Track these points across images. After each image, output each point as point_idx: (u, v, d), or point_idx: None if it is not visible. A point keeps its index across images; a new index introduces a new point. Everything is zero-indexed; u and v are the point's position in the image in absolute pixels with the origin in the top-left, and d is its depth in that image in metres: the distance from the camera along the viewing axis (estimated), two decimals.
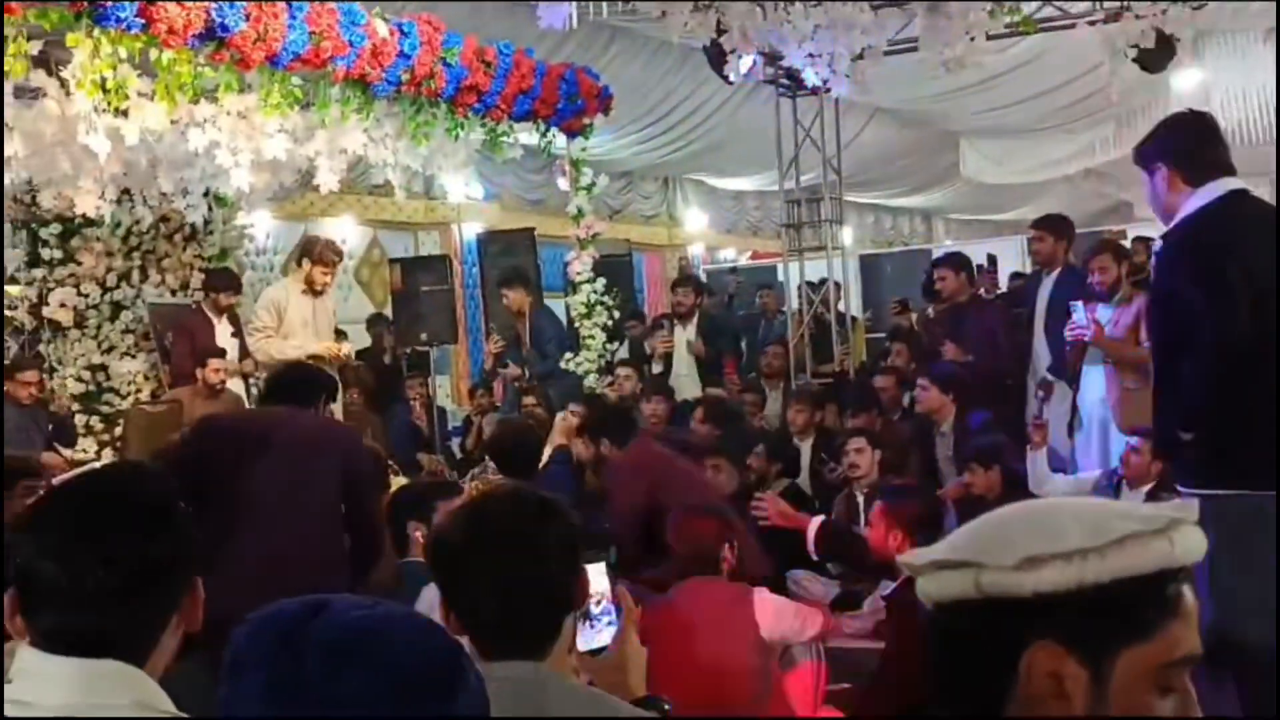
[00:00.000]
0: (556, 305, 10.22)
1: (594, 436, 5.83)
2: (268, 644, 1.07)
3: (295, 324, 7.49)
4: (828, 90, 8.62)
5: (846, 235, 11.26)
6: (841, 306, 10.39)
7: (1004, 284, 10.82)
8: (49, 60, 5.35)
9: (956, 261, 8.06)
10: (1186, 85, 10.88)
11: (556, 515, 1.89)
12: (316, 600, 1.11)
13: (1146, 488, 5.73)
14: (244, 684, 1.06)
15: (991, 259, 9.09)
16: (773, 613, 3.98)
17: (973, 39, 7.24)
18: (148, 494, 1.55)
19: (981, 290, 8.33)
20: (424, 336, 9.43)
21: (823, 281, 10.28)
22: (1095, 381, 6.57)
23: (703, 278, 14.09)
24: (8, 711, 1.40)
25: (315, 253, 7.56)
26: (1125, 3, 7.78)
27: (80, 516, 1.47)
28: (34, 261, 8.28)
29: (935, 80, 9.74)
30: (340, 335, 10.35)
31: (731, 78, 7.96)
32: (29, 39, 4.98)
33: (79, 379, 8.22)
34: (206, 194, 7.58)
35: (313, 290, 7.52)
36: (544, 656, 1.81)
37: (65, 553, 1.45)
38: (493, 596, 1.81)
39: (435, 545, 1.90)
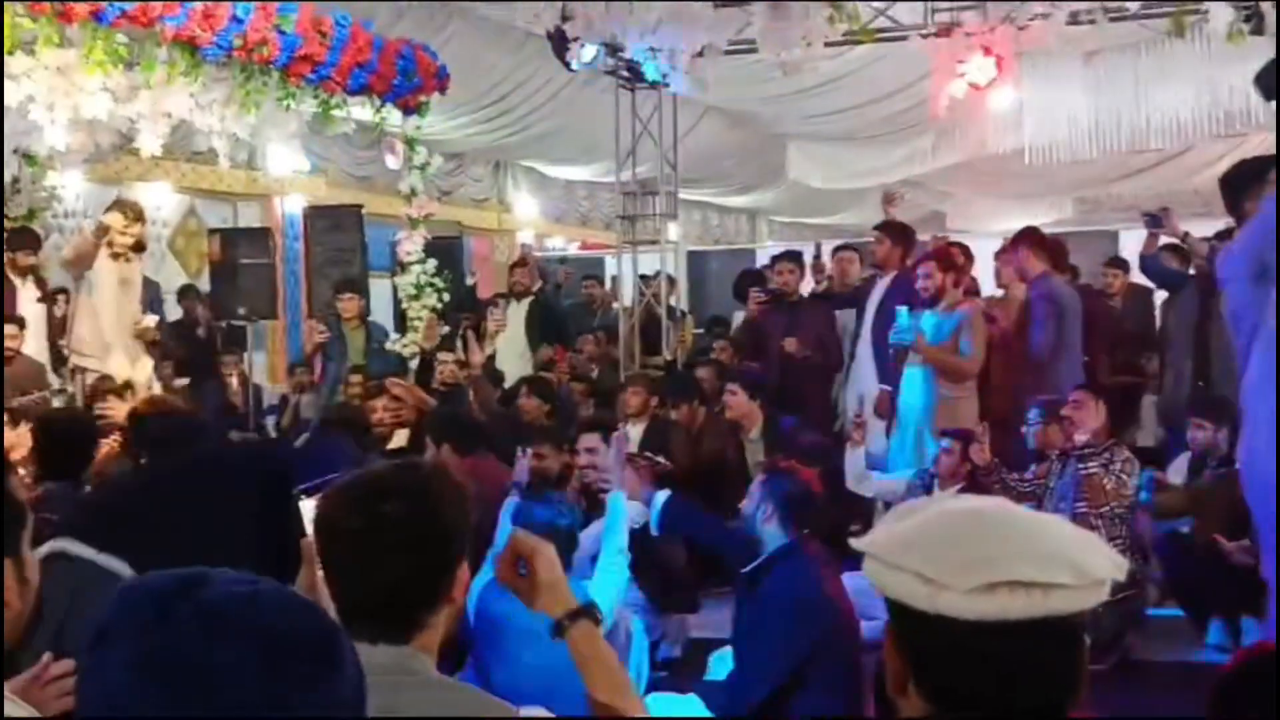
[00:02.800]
0: (382, 285, 10.03)
1: (435, 440, 5.70)
2: (141, 614, 1.03)
3: (105, 291, 7.14)
4: (667, 85, 8.68)
5: (676, 230, 11.38)
6: (672, 300, 10.51)
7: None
8: None
9: (798, 258, 8.29)
10: (1002, 104, 11.35)
11: (440, 501, 1.83)
12: (194, 573, 1.08)
13: (957, 487, 5.98)
14: (113, 654, 1.02)
15: (817, 248, 9.36)
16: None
17: (809, 44, 7.40)
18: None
19: (814, 282, 8.56)
20: (241, 311, 9.12)
21: (655, 275, 10.37)
22: (914, 384, 6.82)
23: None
24: None
25: (113, 212, 7.23)
26: (956, 19, 8.07)
27: None
28: None
29: (768, 82, 9.91)
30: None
31: (574, 66, 7.96)
32: None
33: None
34: (16, 150, 7.17)
35: (110, 248, 7.14)
36: (408, 642, 1.78)
37: None
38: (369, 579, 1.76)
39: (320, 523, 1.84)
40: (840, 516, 5.99)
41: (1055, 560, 1.31)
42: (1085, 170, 13.62)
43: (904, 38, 8.36)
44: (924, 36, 8.28)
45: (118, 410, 5.83)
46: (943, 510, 1.43)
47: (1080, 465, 5.72)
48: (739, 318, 9.58)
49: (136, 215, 7.36)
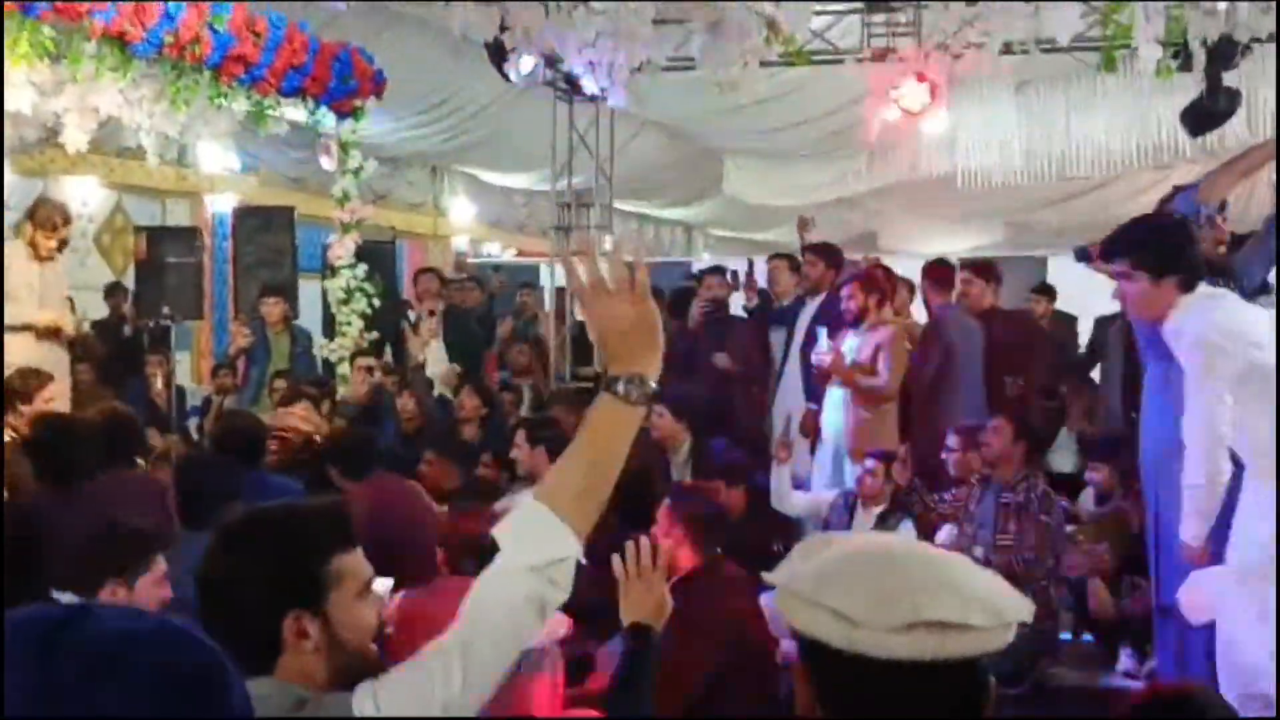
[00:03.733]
0: (312, 287, 9.92)
1: (329, 461, 5.53)
2: (27, 647, 1.03)
3: (19, 288, 6.96)
4: (604, 98, 8.70)
5: (608, 242, 11.39)
6: None
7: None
8: None
9: (726, 273, 8.33)
10: (935, 129, 11.51)
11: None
12: (79, 607, 1.08)
13: (879, 509, 6.04)
14: (5, 684, 1.01)
15: (750, 264, 9.41)
16: None
17: (746, 64, 7.45)
18: None
19: (743, 296, 8.59)
20: (166, 310, 8.97)
21: None
22: (835, 405, 6.87)
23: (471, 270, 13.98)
24: None
25: (38, 216, 7.02)
26: (891, 45, 8.16)
27: None
28: None
29: (706, 99, 9.96)
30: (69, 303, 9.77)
31: (512, 77, 7.94)
32: None
33: None
34: None
35: (37, 256, 6.97)
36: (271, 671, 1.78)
37: None
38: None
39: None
40: (763, 535, 6.02)
41: (970, 602, 1.35)
42: (1016, 196, 13.83)
43: (840, 61, 8.45)
44: (859, 61, 8.37)
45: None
46: (856, 549, 1.45)
47: (1002, 494, 5.79)
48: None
49: (64, 219, 7.08)
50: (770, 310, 8.09)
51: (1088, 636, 6.00)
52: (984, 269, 7.51)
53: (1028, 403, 7.22)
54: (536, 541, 1.78)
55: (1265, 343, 3.83)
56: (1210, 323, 3.87)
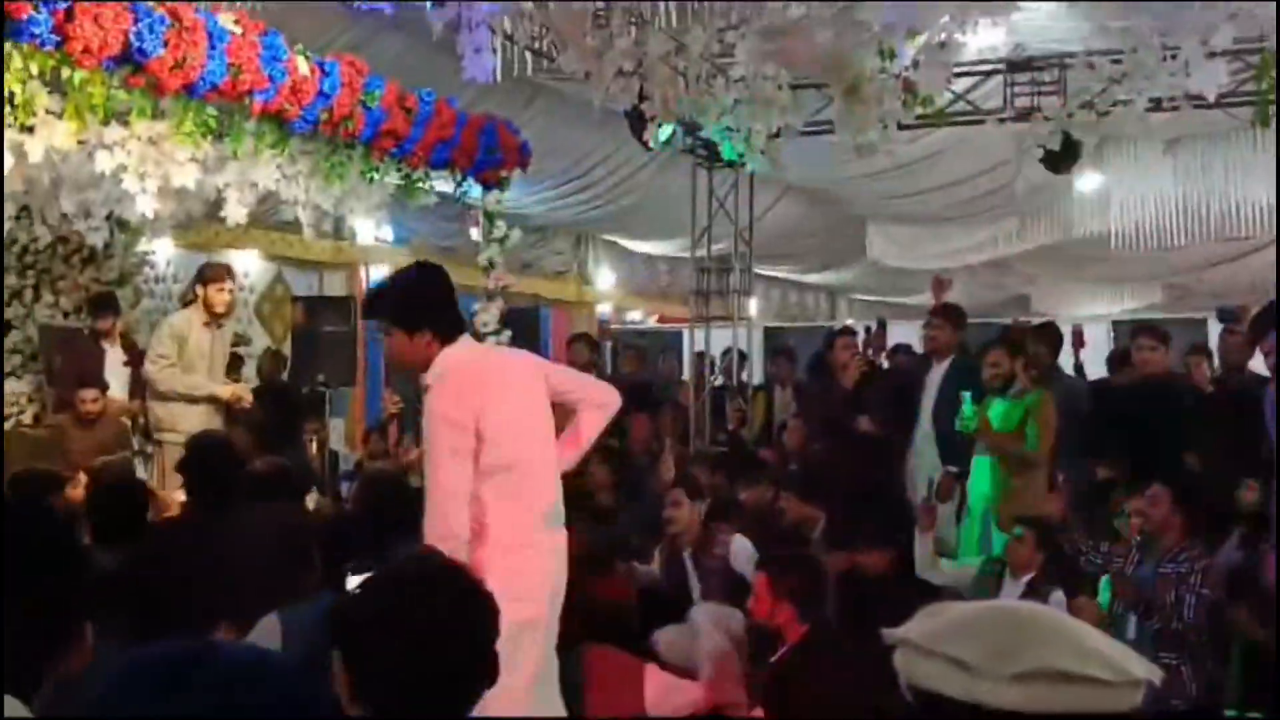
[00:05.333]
0: None
1: None
2: (149, 684, 1.05)
3: (194, 356, 7.31)
4: (743, 165, 8.75)
5: (753, 306, 11.40)
6: (745, 376, 10.50)
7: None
8: None
9: (854, 333, 8.28)
10: (1088, 187, 11.26)
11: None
12: (205, 643, 1.12)
13: (1028, 577, 5.85)
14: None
15: (881, 322, 9.32)
16: (661, 689, 3.96)
17: (885, 126, 7.41)
18: (49, 538, 1.53)
19: (869, 352, 8.50)
20: (321, 377, 9.27)
21: (726, 351, 10.38)
22: (983, 472, 6.71)
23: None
24: None
25: (207, 274, 7.41)
26: (1035, 104, 8.05)
27: None
28: None
29: (847, 163, 9.95)
30: (237, 362, 10.18)
31: (650, 144, 8.05)
32: None
33: None
34: (109, 217, 7.41)
35: (213, 314, 7.33)
36: None
37: None
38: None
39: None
40: (907, 601, 5.88)
41: (1093, 656, 1.30)
42: (1174, 257, 13.42)
43: (981, 121, 8.36)
44: (1001, 121, 8.26)
45: None
46: (979, 606, 1.44)
47: (1161, 564, 5.56)
48: None
49: (230, 274, 7.55)
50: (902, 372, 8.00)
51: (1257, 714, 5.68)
52: (1162, 335, 7.40)
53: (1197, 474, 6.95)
54: None
55: None
56: None
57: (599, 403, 4.17)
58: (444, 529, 3.64)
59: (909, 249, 14.82)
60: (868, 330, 8.78)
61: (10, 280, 8.10)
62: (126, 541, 4.28)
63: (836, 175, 11.26)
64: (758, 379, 11.38)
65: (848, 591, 6.15)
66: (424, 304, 4.00)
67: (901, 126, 7.67)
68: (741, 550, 5.74)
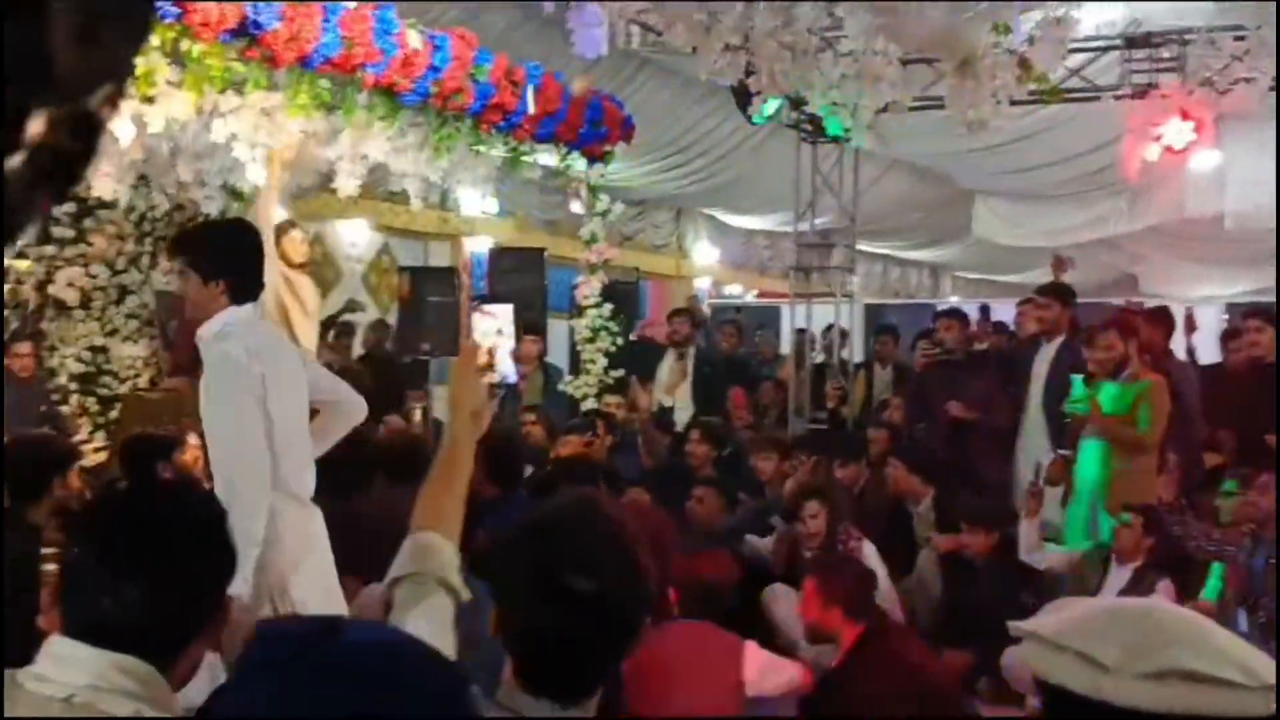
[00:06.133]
0: (560, 326, 10.22)
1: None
2: (279, 657, 1.08)
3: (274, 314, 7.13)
4: (848, 139, 8.66)
5: (855, 282, 11.30)
6: (845, 354, 10.41)
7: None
8: None
9: (961, 316, 8.14)
10: (1203, 166, 10.94)
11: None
12: (331, 620, 1.13)
13: (1135, 564, 5.74)
14: (246, 690, 1.07)
15: (984, 309, 9.13)
16: (759, 668, 3.95)
17: (999, 102, 7.28)
18: (195, 516, 1.59)
19: (973, 341, 8.37)
20: (425, 346, 9.41)
21: (829, 327, 10.30)
22: (1091, 456, 6.57)
23: (706, 311, 14.11)
24: (29, 685, 1.43)
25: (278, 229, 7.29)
26: (1153, 81, 7.83)
27: (131, 528, 1.50)
28: (45, 239, 8.27)
29: (955, 138, 9.78)
30: (349, 330, 10.36)
31: (755, 119, 8.01)
32: None
33: (79, 359, 8.20)
34: (223, 186, 7.56)
35: (291, 266, 7.02)
36: (575, 707, 1.70)
37: (112, 560, 1.47)
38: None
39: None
40: (1011, 585, 5.82)
41: (1225, 657, 1.28)
42: None
43: (1096, 98, 8.16)
44: (1117, 98, 8.06)
45: None
46: (1110, 603, 1.43)
47: (1271, 555, 5.43)
48: None
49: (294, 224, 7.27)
50: (1004, 354, 7.86)
51: None
52: (1271, 317, 7.15)
53: None
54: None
55: None
56: None
57: (347, 410, 4.16)
58: (260, 478, 3.66)
59: (1015, 226, 14.56)
60: (982, 311, 8.63)
61: (129, 247, 8.32)
62: None
63: (943, 150, 11.10)
64: (858, 356, 11.28)
65: (951, 573, 6.12)
66: (228, 257, 3.90)
67: (1013, 102, 7.52)
68: (871, 556, 5.68)
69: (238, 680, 1.09)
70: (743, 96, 8.02)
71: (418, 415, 9.69)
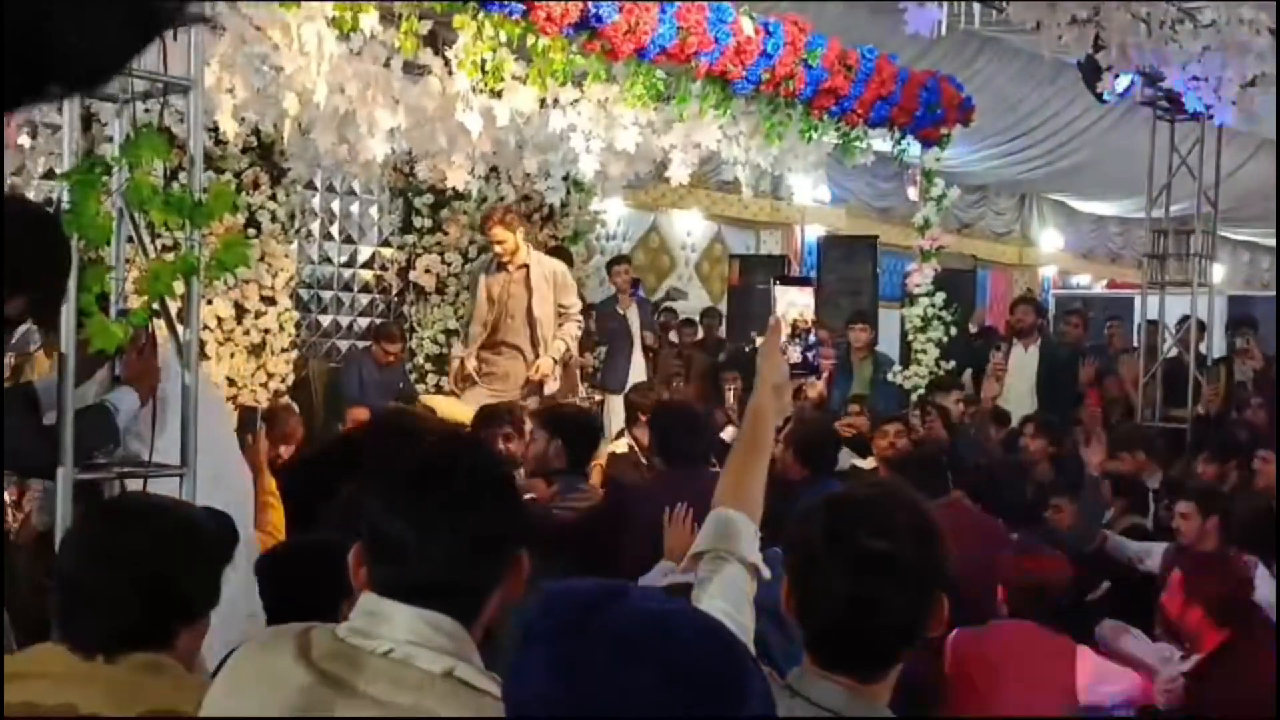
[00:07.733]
0: (892, 315, 10.05)
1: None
2: (559, 622, 1.09)
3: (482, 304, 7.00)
4: (1210, 117, 8.04)
5: (1216, 272, 10.49)
6: (1203, 348, 9.69)
7: None
8: (436, 40, 5.73)
9: None
10: None
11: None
12: (614, 586, 1.13)
13: None
14: (532, 655, 1.09)
15: None
16: (1093, 673, 3.74)
17: None
18: (493, 471, 1.66)
19: None
20: (754, 334, 9.48)
21: (1184, 319, 9.62)
22: None
23: (1050, 303, 13.50)
24: (345, 636, 1.52)
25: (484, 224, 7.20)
26: None
27: (434, 485, 1.58)
28: (406, 228, 8.92)
29: None
30: (673, 320, 10.53)
31: (1105, 97, 7.57)
32: (420, 19, 5.36)
33: (434, 341, 8.78)
34: (566, 177, 7.88)
35: (498, 258, 6.89)
36: (873, 683, 1.66)
37: (417, 516, 1.55)
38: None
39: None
40: None
41: None
42: None
43: None
44: None
45: None
46: None
47: None
48: None
49: (498, 220, 6.94)
50: None
51: None
52: None
53: None
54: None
55: None
56: None
57: None
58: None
59: None
60: None
61: (480, 236, 8.80)
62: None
63: None
64: (1218, 351, 10.47)
65: None
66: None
67: None
68: (1263, 583, 5.17)
69: (521, 641, 1.11)
70: (1091, 73, 7.60)
71: (730, 397, 9.78)
